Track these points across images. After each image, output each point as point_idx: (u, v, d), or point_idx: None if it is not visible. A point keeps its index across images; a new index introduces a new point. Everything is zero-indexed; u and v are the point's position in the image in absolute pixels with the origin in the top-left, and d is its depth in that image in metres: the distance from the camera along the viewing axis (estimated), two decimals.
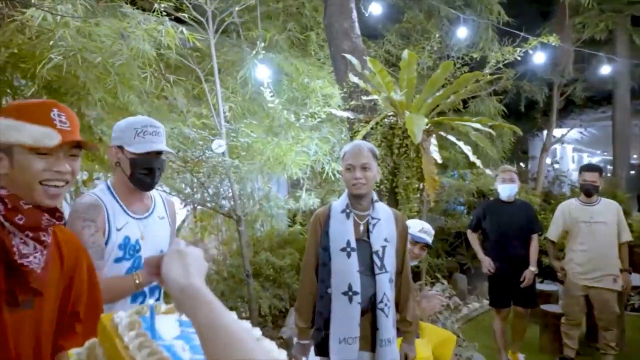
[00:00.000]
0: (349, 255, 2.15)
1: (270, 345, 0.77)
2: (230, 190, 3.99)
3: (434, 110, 4.10)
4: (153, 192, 1.96)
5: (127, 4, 3.33)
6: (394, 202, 4.21)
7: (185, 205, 4.11)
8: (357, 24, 4.40)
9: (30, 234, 1.15)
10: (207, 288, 0.70)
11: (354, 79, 4.10)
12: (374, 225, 2.20)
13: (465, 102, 7.49)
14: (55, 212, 1.22)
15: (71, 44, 2.71)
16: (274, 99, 3.95)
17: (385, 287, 2.13)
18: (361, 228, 2.22)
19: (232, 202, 4.03)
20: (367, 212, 2.24)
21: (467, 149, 3.90)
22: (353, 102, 4.23)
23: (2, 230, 1.11)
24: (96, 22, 3.03)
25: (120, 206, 1.78)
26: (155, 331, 0.84)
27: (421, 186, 3.94)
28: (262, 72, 3.90)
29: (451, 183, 6.99)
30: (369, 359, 2.20)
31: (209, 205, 3.91)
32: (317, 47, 5.12)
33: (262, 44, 3.77)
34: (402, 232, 2.28)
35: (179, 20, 3.93)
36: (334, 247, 2.17)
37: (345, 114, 4.14)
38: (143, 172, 1.76)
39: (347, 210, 2.23)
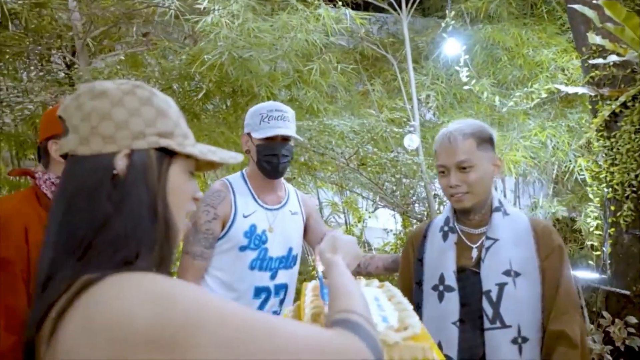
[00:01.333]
0: (441, 297, 1.37)
1: (410, 316, 0.93)
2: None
3: None
4: (289, 187, 1.88)
5: None
6: None
7: (375, 208, 3.75)
8: None
9: None
10: (344, 265, 0.91)
11: (595, 39, 2.90)
12: (487, 248, 1.35)
13: None
14: None
15: (232, 44, 2.71)
16: (471, 79, 3.16)
17: (501, 350, 1.27)
18: (473, 254, 1.39)
19: (426, 206, 3.45)
20: (484, 229, 1.40)
21: None
22: (597, 72, 3.01)
23: None
24: (270, 21, 2.99)
25: (252, 194, 1.74)
26: (325, 296, 0.98)
27: None
28: (453, 49, 3.17)
29: None
30: None
31: (398, 209, 3.43)
32: (560, 9, 3.92)
33: (453, 14, 3.05)
34: (553, 254, 1.34)
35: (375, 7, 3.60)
36: (427, 283, 1.43)
37: (580, 90, 2.97)
38: (266, 159, 1.69)
39: (445, 228, 1.44)
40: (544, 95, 3.04)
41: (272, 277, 1.72)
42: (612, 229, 2.97)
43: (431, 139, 3.84)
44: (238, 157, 0.82)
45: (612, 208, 2.95)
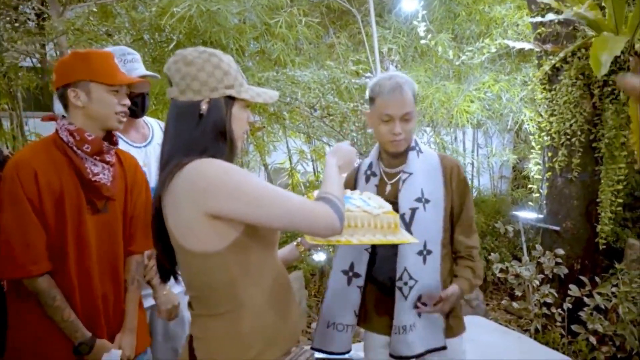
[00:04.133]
0: None
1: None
2: None
3: None
4: (151, 121, 1.99)
5: None
6: (591, 161, 3.14)
7: None
8: None
9: (98, 158, 1.48)
10: (335, 165, 1.26)
11: None
12: (404, 181, 1.61)
13: None
14: (112, 138, 1.54)
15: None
16: (429, 34, 3.36)
17: (408, 261, 1.56)
18: (388, 188, 1.65)
19: None
20: (401, 167, 1.65)
21: None
22: (543, 29, 3.25)
23: (76, 157, 1.44)
24: None
25: (119, 137, 1.79)
26: None
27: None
28: (411, 4, 3.34)
29: None
30: (386, 346, 1.69)
31: (361, 157, 3.69)
32: None
33: None
34: (459, 184, 1.63)
35: None
36: None
37: (526, 45, 3.22)
38: (133, 99, 1.76)
39: (368, 172, 1.70)
40: (493, 49, 3.27)
41: None
42: (549, 173, 3.32)
43: None
44: (274, 97, 1.25)
45: (549, 154, 3.28)
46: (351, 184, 1.77)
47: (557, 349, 3.08)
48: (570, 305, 2.99)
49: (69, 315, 1.42)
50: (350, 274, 1.66)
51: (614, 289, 2.94)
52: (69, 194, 1.43)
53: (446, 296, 1.53)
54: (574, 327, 2.94)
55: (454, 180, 1.63)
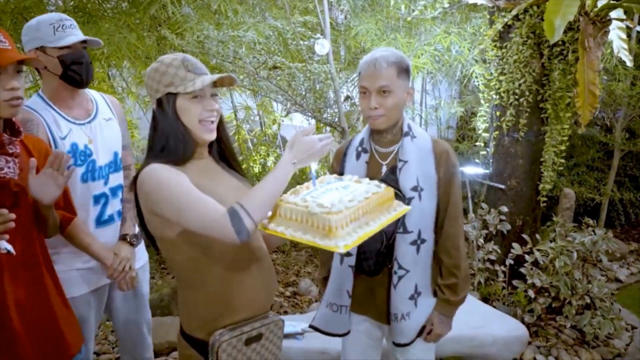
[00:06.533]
0: None
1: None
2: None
3: None
4: (94, 94, 1.86)
5: None
6: (537, 121, 3.18)
7: (287, 113, 3.83)
8: None
9: None
10: (290, 161, 1.20)
11: None
12: (400, 170, 1.56)
13: None
14: (13, 127, 1.38)
15: None
16: None
17: (399, 251, 1.56)
18: (383, 169, 1.61)
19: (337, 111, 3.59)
20: (393, 148, 1.60)
21: None
22: None
23: None
24: None
25: (59, 114, 1.69)
26: (314, 181, 1.29)
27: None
28: None
29: None
30: (382, 333, 1.76)
31: (309, 113, 3.55)
32: None
33: None
34: (447, 175, 1.58)
35: None
36: None
37: (480, 1, 3.11)
38: (75, 67, 1.65)
39: (359, 149, 1.64)
40: (446, 4, 3.14)
41: (106, 183, 1.81)
42: (496, 132, 3.34)
43: (342, 42, 3.88)
44: (206, 79, 1.25)
45: (498, 113, 3.29)
46: (339, 158, 1.70)
47: (498, 300, 3.27)
48: (512, 262, 3.13)
49: None
50: None
51: (552, 244, 3.09)
52: None
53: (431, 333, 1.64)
54: (514, 282, 3.10)
55: (442, 166, 1.57)
